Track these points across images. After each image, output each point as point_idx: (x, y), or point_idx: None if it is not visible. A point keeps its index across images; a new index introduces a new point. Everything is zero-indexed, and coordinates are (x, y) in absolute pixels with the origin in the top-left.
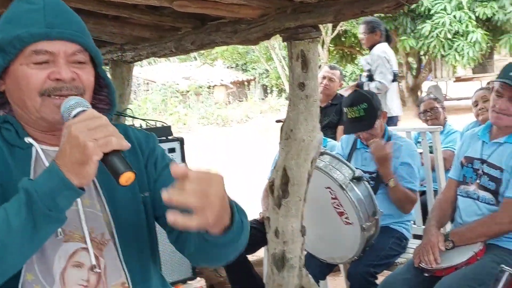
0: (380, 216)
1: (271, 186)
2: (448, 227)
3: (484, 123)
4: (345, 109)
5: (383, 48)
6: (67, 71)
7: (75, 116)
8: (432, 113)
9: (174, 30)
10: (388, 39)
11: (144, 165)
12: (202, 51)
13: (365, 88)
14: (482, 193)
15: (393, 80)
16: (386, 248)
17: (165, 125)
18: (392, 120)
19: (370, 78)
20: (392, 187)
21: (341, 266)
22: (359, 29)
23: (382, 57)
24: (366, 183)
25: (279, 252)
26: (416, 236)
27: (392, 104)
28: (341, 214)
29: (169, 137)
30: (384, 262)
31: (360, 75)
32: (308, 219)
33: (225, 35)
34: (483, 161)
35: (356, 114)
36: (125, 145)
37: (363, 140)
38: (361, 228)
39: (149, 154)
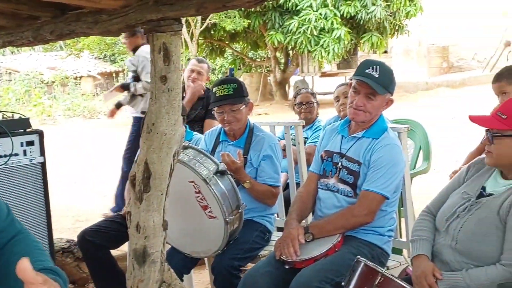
0: (244, 209)
1: (132, 181)
2: (310, 219)
3: (345, 118)
4: (214, 89)
5: (147, 50)
6: None
7: None
8: (307, 106)
9: (33, 19)
10: None
11: None
12: (68, 41)
13: (132, 88)
14: (341, 186)
15: None
16: (250, 241)
17: (23, 117)
18: None
19: (136, 78)
20: (249, 188)
21: (206, 259)
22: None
23: (148, 58)
24: (230, 176)
25: (140, 247)
26: (280, 229)
27: None
28: (205, 208)
29: (27, 130)
30: (248, 255)
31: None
32: (171, 213)
33: (85, 26)
34: (342, 155)
35: (225, 92)
36: None
37: (227, 125)
38: (224, 222)
39: None
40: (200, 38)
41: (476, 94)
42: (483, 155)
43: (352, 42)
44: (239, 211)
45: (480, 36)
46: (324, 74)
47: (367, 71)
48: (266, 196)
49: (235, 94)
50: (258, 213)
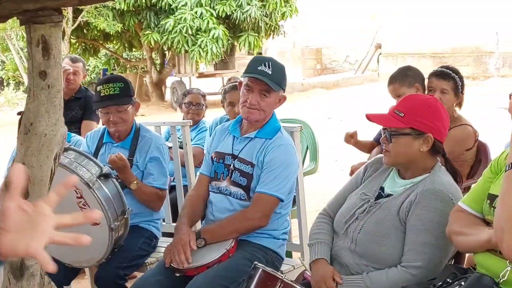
0: (130, 215)
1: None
2: (199, 224)
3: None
4: (98, 88)
5: None
6: None
7: None
8: (196, 108)
9: None
10: None
11: None
12: None
13: None
14: (234, 189)
15: None
16: (136, 249)
17: None
18: None
19: None
20: (135, 190)
21: (87, 269)
22: None
23: None
24: (115, 180)
25: (17, 259)
26: (166, 234)
27: None
28: None
29: None
30: (134, 263)
31: None
32: None
33: None
34: (234, 157)
35: (111, 91)
36: None
37: (112, 126)
38: (109, 229)
39: None
40: (72, 37)
41: (349, 95)
42: (380, 155)
43: (229, 42)
44: (125, 216)
45: (352, 39)
46: (201, 75)
47: (259, 68)
48: (152, 199)
49: (122, 93)
50: (144, 218)
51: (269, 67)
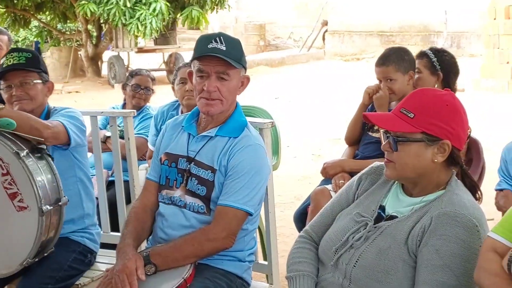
0: (65, 205)
1: None
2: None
3: (190, 108)
4: (2, 60)
5: None
6: None
7: None
8: (144, 92)
9: None
10: None
11: None
12: None
13: None
14: (190, 200)
15: None
16: (65, 267)
17: None
18: None
19: None
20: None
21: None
22: None
23: None
24: (50, 159)
25: None
26: (105, 245)
27: None
28: (13, 196)
29: None
30: (62, 285)
31: None
32: None
33: None
34: (190, 160)
35: (15, 60)
36: None
37: (16, 103)
38: (39, 212)
39: None
40: (0, 6)
41: (294, 74)
42: (377, 163)
43: (171, 16)
44: (60, 204)
45: (296, 15)
46: (140, 50)
47: (210, 46)
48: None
49: (28, 64)
50: (75, 227)
51: (221, 43)
